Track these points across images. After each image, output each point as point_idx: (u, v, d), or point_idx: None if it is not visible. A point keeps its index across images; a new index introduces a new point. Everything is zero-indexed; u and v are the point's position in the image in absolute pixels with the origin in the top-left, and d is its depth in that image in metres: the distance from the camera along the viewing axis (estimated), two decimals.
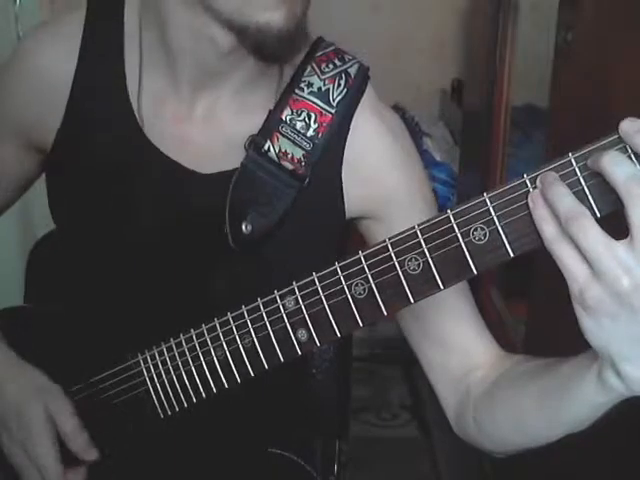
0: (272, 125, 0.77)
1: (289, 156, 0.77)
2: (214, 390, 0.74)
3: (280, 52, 0.71)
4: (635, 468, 1.26)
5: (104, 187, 0.83)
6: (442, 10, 3.24)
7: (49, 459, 0.79)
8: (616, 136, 0.53)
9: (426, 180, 0.84)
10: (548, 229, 0.55)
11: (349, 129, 0.79)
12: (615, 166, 0.52)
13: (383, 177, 0.80)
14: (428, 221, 0.60)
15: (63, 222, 0.89)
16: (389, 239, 0.61)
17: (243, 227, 0.77)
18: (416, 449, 2.09)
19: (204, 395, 0.75)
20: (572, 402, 0.62)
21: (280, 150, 0.77)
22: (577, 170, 0.55)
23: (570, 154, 0.55)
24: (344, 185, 0.80)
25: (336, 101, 0.78)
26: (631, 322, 0.53)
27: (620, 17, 1.27)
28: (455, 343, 0.79)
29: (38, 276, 1.05)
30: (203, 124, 0.80)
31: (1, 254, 1.64)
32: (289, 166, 0.77)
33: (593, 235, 0.53)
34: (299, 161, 0.77)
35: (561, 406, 0.63)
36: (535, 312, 1.68)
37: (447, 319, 0.78)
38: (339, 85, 0.78)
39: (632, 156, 0.53)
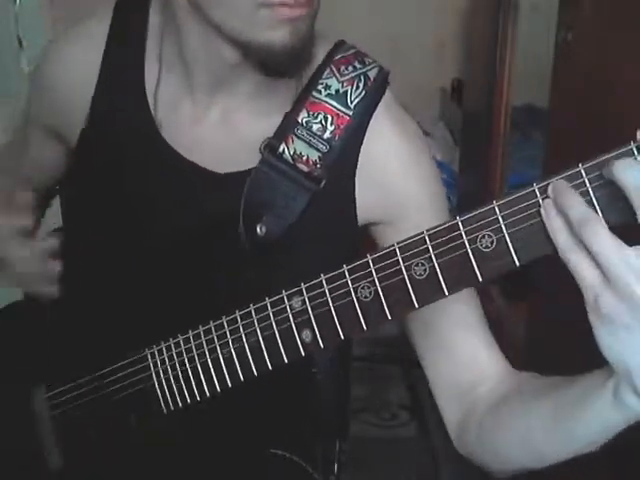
0: (288, 127, 0.77)
1: (304, 158, 0.77)
2: (218, 388, 0.74)
3: (284, 68, 0.72)
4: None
5: (121, 186, 0.84)
6: (442, 10, 3.24)
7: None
8: (630, 147, 0.53)
9: (441, 191, 0.83)
10: (561, 238, 0.54)
11: (365, 133, 0.79)
12: (626, 172, 0.51)
13: (396, 184, 0.80)
14: (437, 227, 0.60)
15: (75, 220, 0.91)
16: (397, 243, 0.62)
17: (258, 229, 0.77)
18: (416, 449, 2.09)
19: (208, 392, 0.75)
20: (586, 421, 0.60)
21: (295, 152, 0.77)
22: (587, 181, 0.54)
23: (580, 165, 0.55)
24: (357, 190, 0.80)
25: (354, 103, 0.78)
26: None
27: (620, 17, 1.27)
28: (463, 353, 0.77)
29: None
30: (218, 127, 0.81)
31: None
32: (304, 168, 0.77)
33: (605, 240, 0.52)
34: (314, 163, 0.77)
35: (574, 426, 0.61)
36: (535, 312, 1.68)
37: (456, 328, 0.77)
38: (357, 87, 0.78)
39: None
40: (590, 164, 0.54)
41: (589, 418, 0.59)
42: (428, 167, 0.82)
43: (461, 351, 0.77)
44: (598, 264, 0.53)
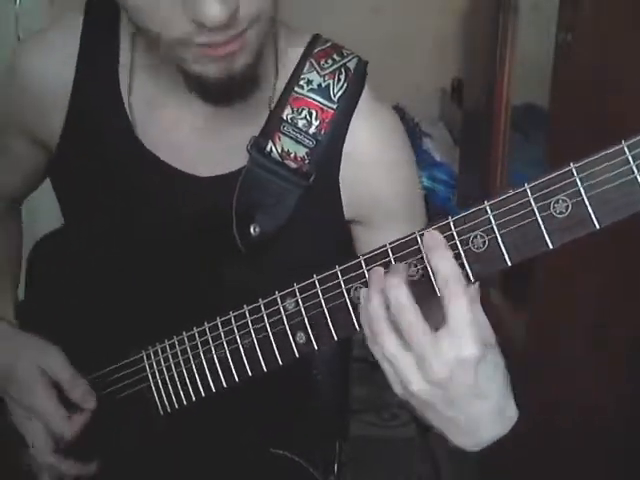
0: (273, 125, 0.77)
1: (292, 155, 0.77)
2: (213, 389, 0.74)
3: (221, 97, 0.71)
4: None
5: (105, 192, 0.83)
6: (442, 10, 3.24)
7: (48, 404, 0.79)
8: (621, 145, 0.53)
9: (418, 188, 0.85)
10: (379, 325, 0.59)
11: (348, 128, 0.78)
12: (439, 261, 0.57)
13: (376, 183, 0.80)
14: (428, 227, 0.60)
15: (71, 221, 0.90)
16: (390, 244, 0.61)
17: (251, 229, 0.77)
18: (416, 449, 2.09)
19: (204, 393, 0.75)
20: None
21: (283, 150, 0.77)
22: (578, 181, 0.54)
23: (572, 164, 0.55)
24: (341, 184, 0.80)
25: (337, 96, 0.77)
26: (446, 408, 0.59)
27: (620, 17, 1.27)
28: None
29: (39, 275, 1.05)
30: (199, 130, 0.80)
31: None
32: (293, 165, 0.77)
33: (417, 329, 0.57)
34: (302, 159, 0.77)
35: None
36: (535, 312, 1.68)
37: None
38: (339, 80, 0.78)
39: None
40: (581, 163, 0.54)
41: None
42: (407, 170, 0.82)
43: None
44: (411, 348, 0.58)
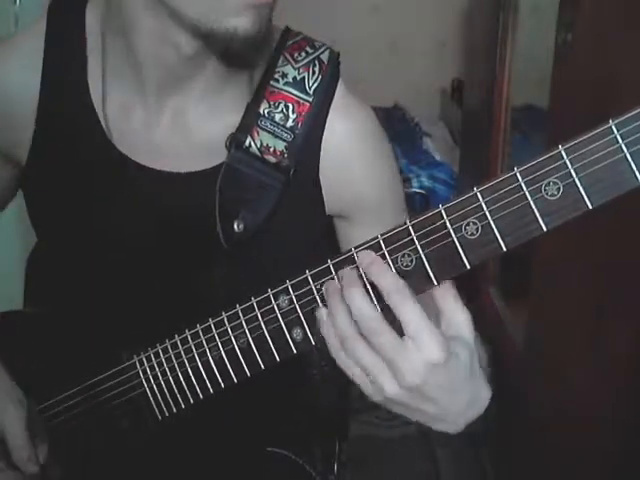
0: (251, 120, 0.77)
1: (271, 149, 0.77)
2: (211, 391, 0.73)
3: (246, 57, 0.71)
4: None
5: (81, 199, 0.82)
6: (442, 10, 3.25)
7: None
8: (609, 125, 0.53)
9: (397, 182, 0.85)
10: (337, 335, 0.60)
11: (325, 123, 0.78)
12: (380, 277, 0.59)
13: (354, 179, 0.80)
14: (420, 217, 0.59)
15: (46, 234, 0.89)
16: (381, 235, 0.61)
17: (235, 226, 0.77)
18: (416, 449, 2.09)
19: (201, 396, 0.74)
20: None
21: (262, 144, 0.77)
22: (568, 162, 0.54)
23: (560, 146, 0.55)
24: (321, 179, 0.80)
25: (312, 89, 0.77)
26: (422, 406, 0.60)
27: (620, 17, 1.27)
28: None
29: (37, 278, 1.05)
30: (173, 129, 0.79)
31: (1, 256, 1.64)
32: (272, 159, 0.77)
33: (383, 336, 0.58)
34: (281, 153, 0.77)
35: None
36: (535, 312, 1.68)
37: None
38: (314, 73, 0.78)
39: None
40: (571, 144, 0.54)
41: None
42: (385, 165, 0.82)
43: None
44: (380, 354, 0.59)
